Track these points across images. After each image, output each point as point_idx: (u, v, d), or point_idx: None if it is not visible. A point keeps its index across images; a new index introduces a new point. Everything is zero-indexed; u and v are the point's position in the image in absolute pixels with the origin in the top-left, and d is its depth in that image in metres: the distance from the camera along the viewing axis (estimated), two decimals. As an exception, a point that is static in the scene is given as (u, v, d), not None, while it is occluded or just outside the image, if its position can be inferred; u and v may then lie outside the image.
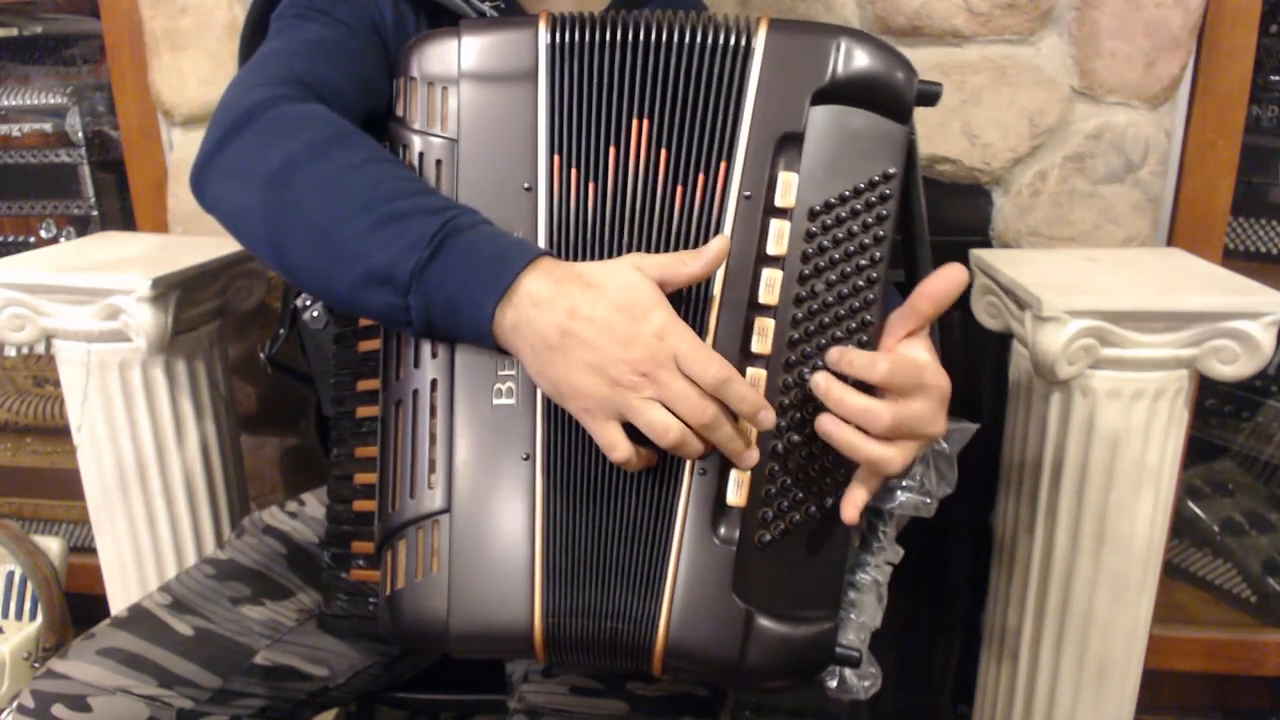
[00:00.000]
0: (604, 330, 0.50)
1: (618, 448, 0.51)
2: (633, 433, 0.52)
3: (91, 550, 1.11)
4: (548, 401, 0.55)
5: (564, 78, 0.57)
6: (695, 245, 0.55)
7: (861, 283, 0.55)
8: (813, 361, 0.54)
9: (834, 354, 0.53)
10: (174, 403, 1.04)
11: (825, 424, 0.52)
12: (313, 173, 0.54)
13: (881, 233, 0.55)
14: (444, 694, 0.87)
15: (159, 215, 1.24)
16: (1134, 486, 0.92)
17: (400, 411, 0.57)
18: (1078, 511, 0.93)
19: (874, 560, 0.60)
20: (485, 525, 0.56)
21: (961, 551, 1.19)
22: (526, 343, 0.51)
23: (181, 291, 1.00)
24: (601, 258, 0.55)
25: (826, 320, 0.55)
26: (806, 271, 0.55)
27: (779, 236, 0.55)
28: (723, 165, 0.56)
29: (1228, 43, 1.04)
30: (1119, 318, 0.87)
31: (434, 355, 0.56)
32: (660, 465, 0.55)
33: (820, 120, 0.55)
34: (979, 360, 1.11)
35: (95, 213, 1.35)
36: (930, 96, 0.56)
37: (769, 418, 0.52)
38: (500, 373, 0.56)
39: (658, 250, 0.56)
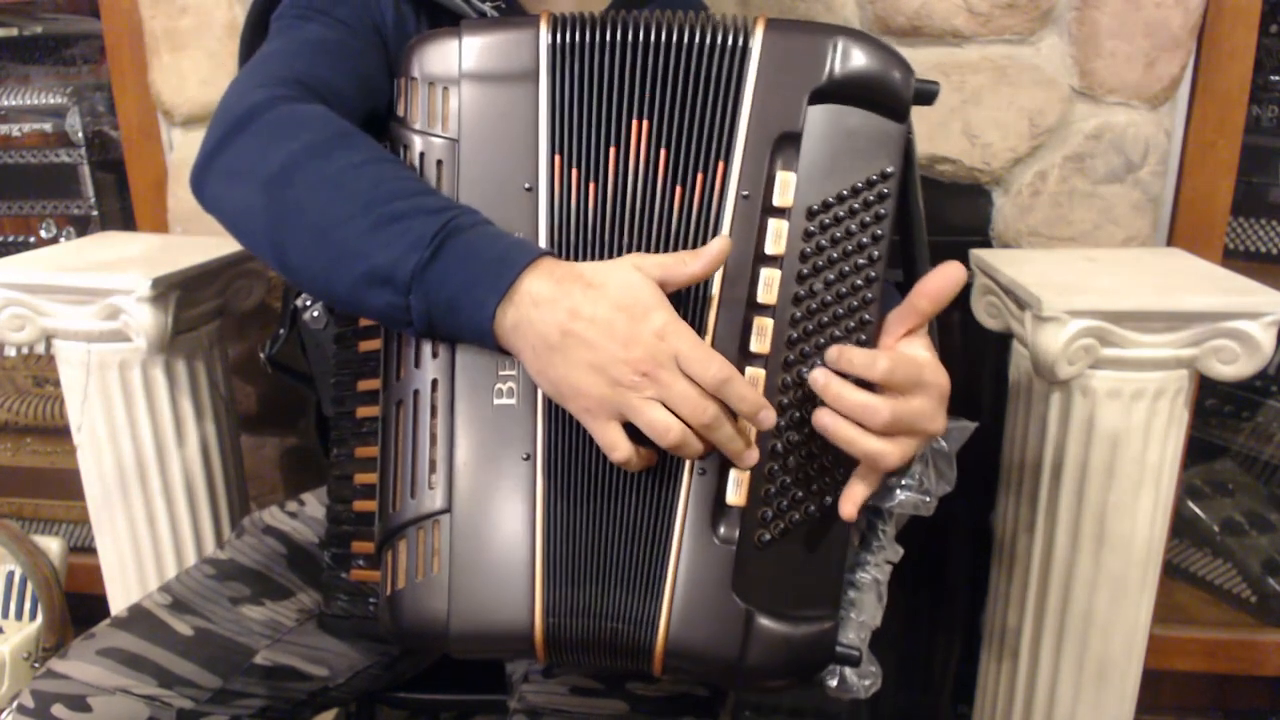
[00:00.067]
0: (605, 330, 0.50)
1: (618, 448, 0.51)
2: (633, 433, 0.52)
3: (91, 550, 1.11)
4: (548, 402, 0.55)
5: (565, 78, 0.57)
6: (694, 245, 0.55)
7: (860, 282, 0.55)
8: (811, 361, 0.54)
9: (833, 351, 0.53)
10: (174, 403, 1.04)
11: (822, 418, 0.52)
12: (313, 173, 0.54)
13: (880, 232, 0.55)
14: (444, 694, 0.87)
15: (159, 215, 1.24)
16: (1134, 486, 0.92)
17: (401, 411, 0.57)
18: (1078, 511, 0.93)
19: (874, 559, 0.60)
20: (486, 525, 0.56)
21: (961, 551, 1.19)
22: (527, 343, 0.51)
23: (181, 291, 1.00)
24: (602, 258, 0.55)
25: (825, 320, 0.55)
26: (805, 271, 0.55)
27: (777, 236, 0.55)
28: (721, 165, 0.56)
29: (1228, 43, 1.04)
30: (1119, 318, 0.87)
31: (434, 355, 0.56)
32: (660, 465, 0.55)
33: (818, 120, 0.55)
34: (979, 360, 1.11)
35: (95, 213, 1.35)
36: (927, 95, 0.56)
37: (769, 417, 0.52)
38: (501, 373, 0.56)
39: (657, 250, 0.56)
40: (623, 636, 0.56)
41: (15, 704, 0.64)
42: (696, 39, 0.56)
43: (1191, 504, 1.35)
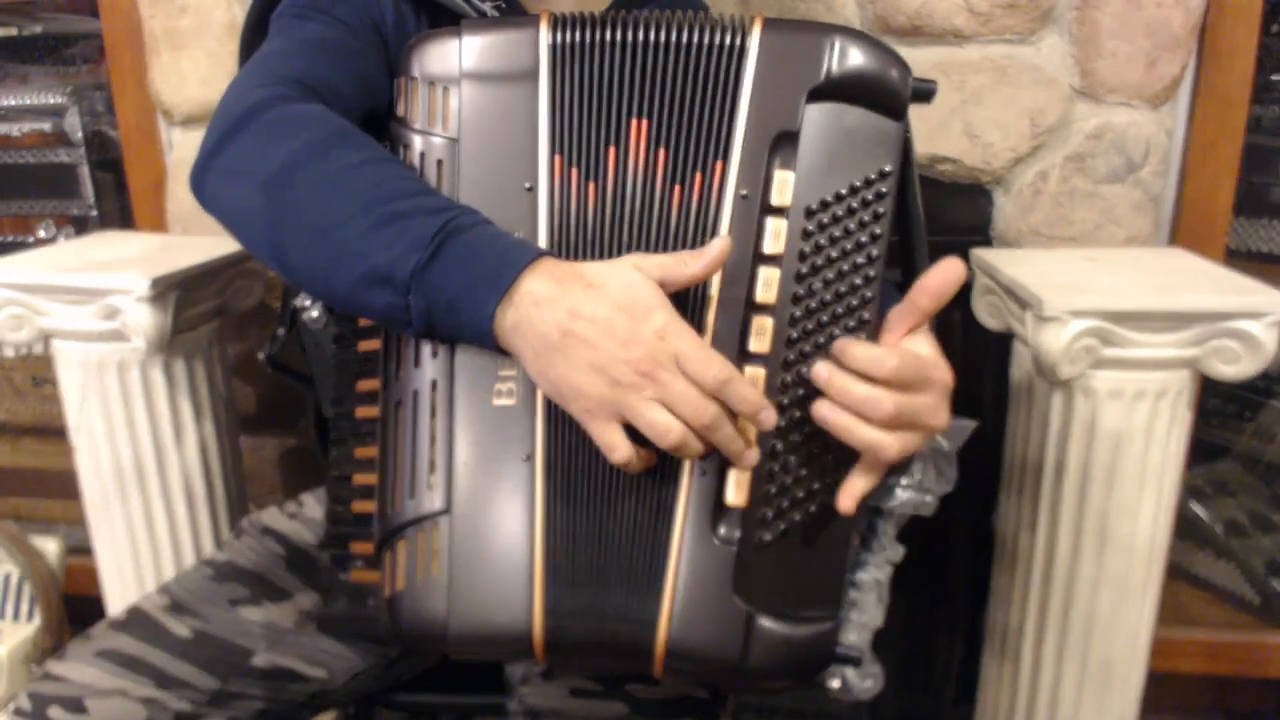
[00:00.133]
0: (605, 330, 0.49)
1: (618, 449, 0.51)
2: (632, 434, 0.51)
3: (89, 551, 1.11)
4: (548, 402, 0.54)
5: (565, 77, 0.57)
6: (693, 245, 0.55)
7: (859, 281, 0.55)
8: (811, 360, 0.54)
9: (839, 345, 0.52)
10: (173, 403, 1.03)
11: (821, 409, 0.52)
12: (313, 173, 0.54)
13: (878, 231, 0.55)
14: (443, 696, 0.87)
15: (158, 215, 1.24)
16: (1136, 487, 0.92)
17: (400, 412, 0.57)
18: (1080, 512, 0.93)
19: (875, 559, 0.60)
20: (485, 526, 0.55)
21: (963, 552, 1.19)
22: (527, 343, 0.51)
23: (180, 291, 1.00)
24: (601, 257, 0.55)
25: (824, 319, 0.55)
26: (804, 270, 0.55)
27: (776, 235, 0.55)
28: (719, 164, 0.55)
29: (1229, 42, 1.04)
30: (1120, 318, 0.87)
31: (434, 355, 0.56)
32: (660, 466, 0.54)
33: (816, 119, 0.55)
34: (980, 360, 1.10)
35: (94, 212, 1.35)
36: (925, 94, 0.56)
37: (770, 417, 0.51)
38: (500, 373, 0.55)
39: (656, 250, 0.56)
40: (622, 638, 0.55)
41: (12, 706, 0.64)
42: (694, 38, 0.56)
43: (1194, 505, 1.35)
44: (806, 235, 0.55)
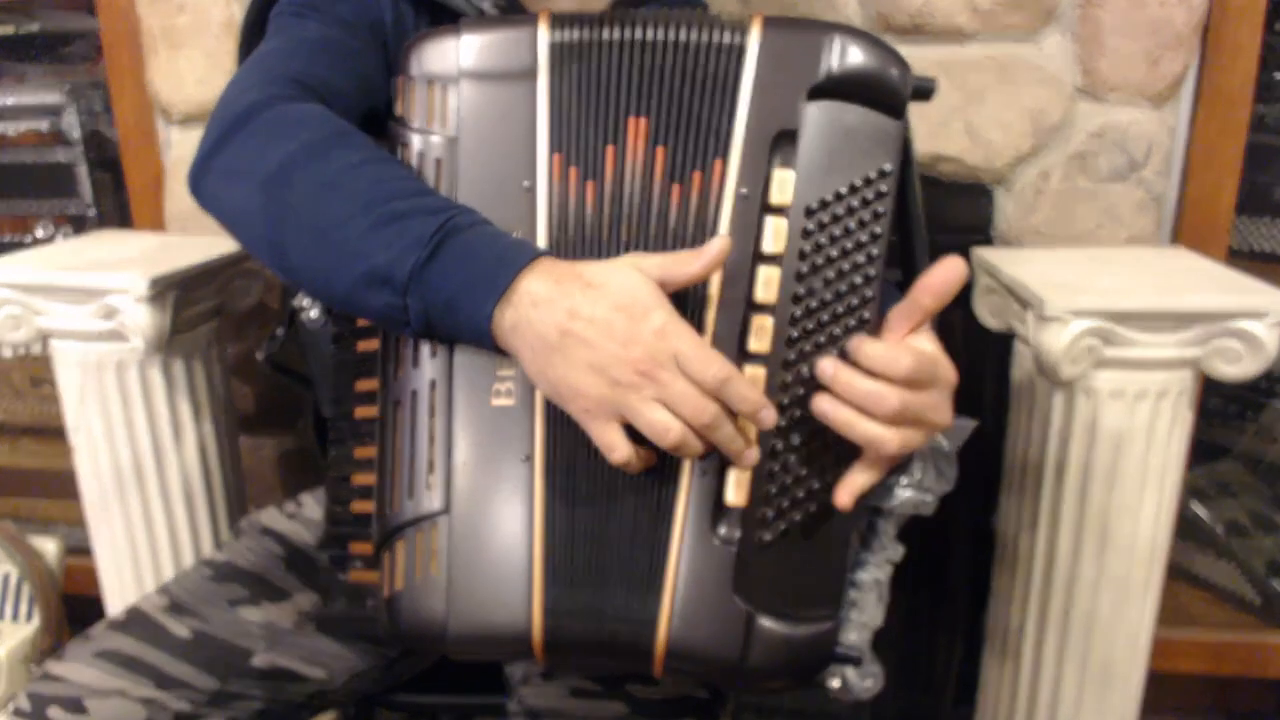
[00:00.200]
0: (604, 330, 0.49)
1: (617, 449, 0.51)
2: (632, 434, 0.51)
3: (88, 552, 1.11)
4: (547, 402, 0.54)
5: (564, 76, 0.56)
6: (693, 244, 0.55)
7: (859, 280, 0.55)
8: (811, 360, 0.54)
9: (853, 344, 0.52)
10: (171, 403, 1.03)
11: (821, 403, 0.52)
12: (312, 173, 0.53)
13: (878, 230, 0.54)
14: (442, 696, 0.87)
15: (156, 214, 1.24)
16: (1137, 487, 0.92)
17: (399, 412, 0.57)
18: (1081, 512, 0.93)
19: (875, 559, 0.60)
20: (484, 526, 0.55)
21: (963, 552, 1.19)
22: (526, 343, 0.51)
23: (179, 291, 0.99)
24: (601, 257, 0.55)
25: (824, 318, 0.55)
26: (804, 269, 0.54)
27: (776, 234, 0.55)
28: (719, 163, 0.55)
29: (1232, 41, 1.03)
30: (1122, 317, 0.86)
31: (433, 355, 0.56)
32: (659, 466, 0.54)
33: (815, 117, 0.55)
34: (981, 360, 1.10)
35: (92, 212, 1.35)
36: (925, 92, 0.56)
37: (770, 416, 0.51)
38: (499, 373, 0.55)
39: (656, 249, 0.55)
40: (622, 638, 0.55)
41: (12, 707, 0.64)
42: (693, 37, 0.56)
43: (1195, 505, 1.35)
44: (806, 234, 0.55)
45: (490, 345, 0.52)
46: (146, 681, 0.65)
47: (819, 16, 1.06)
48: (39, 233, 1.37)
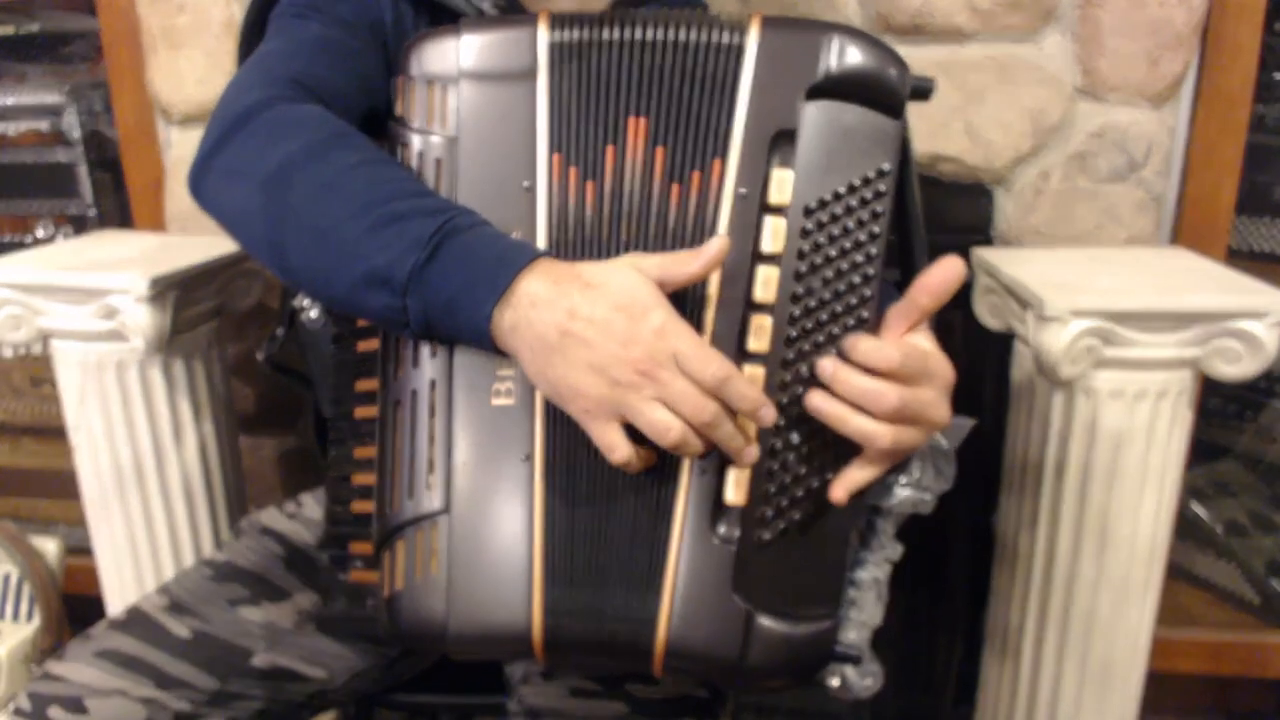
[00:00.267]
0: (603, 330, 0.49)
1: (617, 449, 0.51)
2: (631, 434, 0.51)
3: (89, 551, 1.11)
4: (547, 402, 0.54)
5: (564, 76, 0.56)
6: (692, 243, 0.55)
7: (857, 279, 0.55)
8: (810, 359, 0.54)
9: (848, 341, 0.53)
10: (172, 403, 1.03)
11: (815, 399, 0.52)
12: (311, 174, 0.53)
13: (877, 229, 0.55)
14: (442, 696, 0.87)
15: (156, 214, 1.24)
16: (1137, 487, 0.92)
17: (399, 412, 0.57)
18: (1080, 512, 0.93)
19: (874, 558, 0.60)
20: (484, 526, 0.55)
21: (963, 552, 1.19)
22: (525, 344, 0.51)
23: (179, 291, 1.00)
24: (600, 257, 0.55)
25: (823, 318, 0.55)
26: (802, 269, 0.55)
27: (774, 234, 0.55)
28: (718, 163, 0.55)
29: (1232, 41, 1.03)
30: (1122, 317, 0.86)
31: (433, 355, 0.56)
32: (658, 465, 0.54)
33: (814, 117, 0.55)
34: (981, 360, 1.10)
35: (92, 212, 1.35)
36: (923, 91, 0.56)
37: (770, 414, 0.51)
38: (499, 373, 0.55)
39: (655, 249, 0.55)
40: (622, 637, 0.55)
41: (12, 706, 0.64)
42: (692, 36, 0.56)
43: (1194, 505, 1.35)
44: (805, 234, 0.55)
45: (490, 346, 0.52)
46: (147, 681, 0.65)
47: (819, 16, 1.06)
48: (39, 233, 1.37)
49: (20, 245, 1.36)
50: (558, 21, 0.57)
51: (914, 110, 0.57)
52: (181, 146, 1.20)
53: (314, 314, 0.66)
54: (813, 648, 0.56)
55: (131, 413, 1.02)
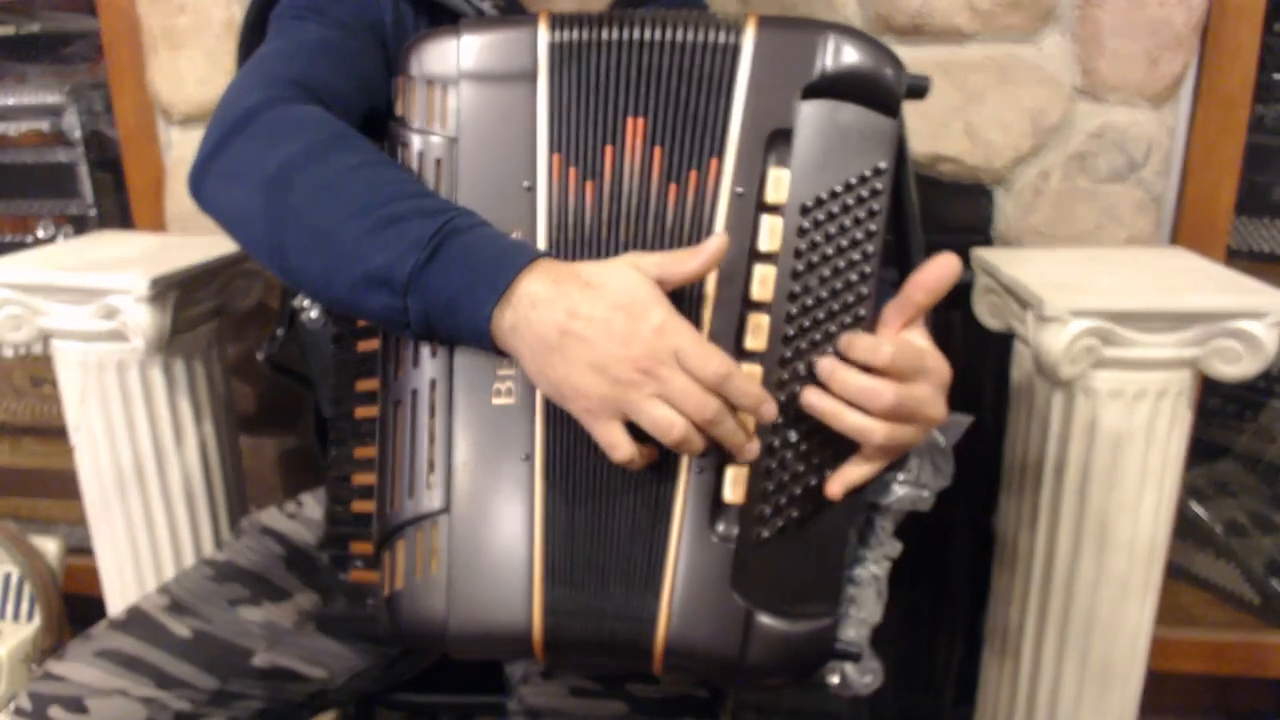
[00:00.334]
0: (603, 329, 0.49)
1: (620, 447, 0.51)
2: (633, 433, 0.51)
3: (89, 551, 1.11)
4: (548, 402, 0.54)
5: (564, 76, 0.56)
6: (690, 242, 0.55)
7: (854, 277, 0.55)
8: (807, 357, 0.54)
9: (844, 340, 0.53)
10: (172, 403, 1.03)
11: (809, 395, 0.53)
12: (311, 175, 0.54)
13: (873, 227, 0.55)
14: (443, 696, 0.87)
15: (157, 214, 1.24)
16: (1137, 487, 0.92)
17: (399, 411, 0.57)
18: (1080, 512, 0.93)
19: (873, 555, 0.60)
20: (484, 525, 0.55)
21: (963, 552, 1.19)
22: (526, 344, 0.51)
23: (180, 291, 1.00)
24: (599, 256, 0.55)
25: (820, 316, 0.55)
26: (799, 267, 0.55)
27: (771, 232, 0.55)
28: (714, 162, 0.55)
29: (1231, 41, 1.03)
30: (1122, 318, 0.86)
31: (433, 355, 0.56)
32: (657, 464, 0.54)
33: (810, 116, 0.55)
34: (980, 360, 1.10)
35: (93, 212, 1.35)
36: (919, 90, 0.56)
37: (771, 410, 0.52)
38: (499, 373, 0.55)
39: (653, 248, 0.55)
40: (622, 636, 0.55)
41: (13, 706, 0.64)
42: (689, 36, 0.56)
43: (1194, 505, 1.35)
44: (802, 232, 0.55)
45: (490, 346, 0.52)
46: (147, 681, 0.65)
47: (818, 16, 1.06)
48: (40, 233, 1.37)
49: (21, 245, 1.36)
50: (557, 22, 0.57)
51: (914, 110, 0.57)
52: (182, 147, 1.21)
53: (314, 314, 0.66)
54: (812, 645, 0.56)
55: (132, 413, 1.02)
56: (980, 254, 1.04)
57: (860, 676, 0.58)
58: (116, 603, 1.10)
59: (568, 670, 0.69)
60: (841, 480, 0.54)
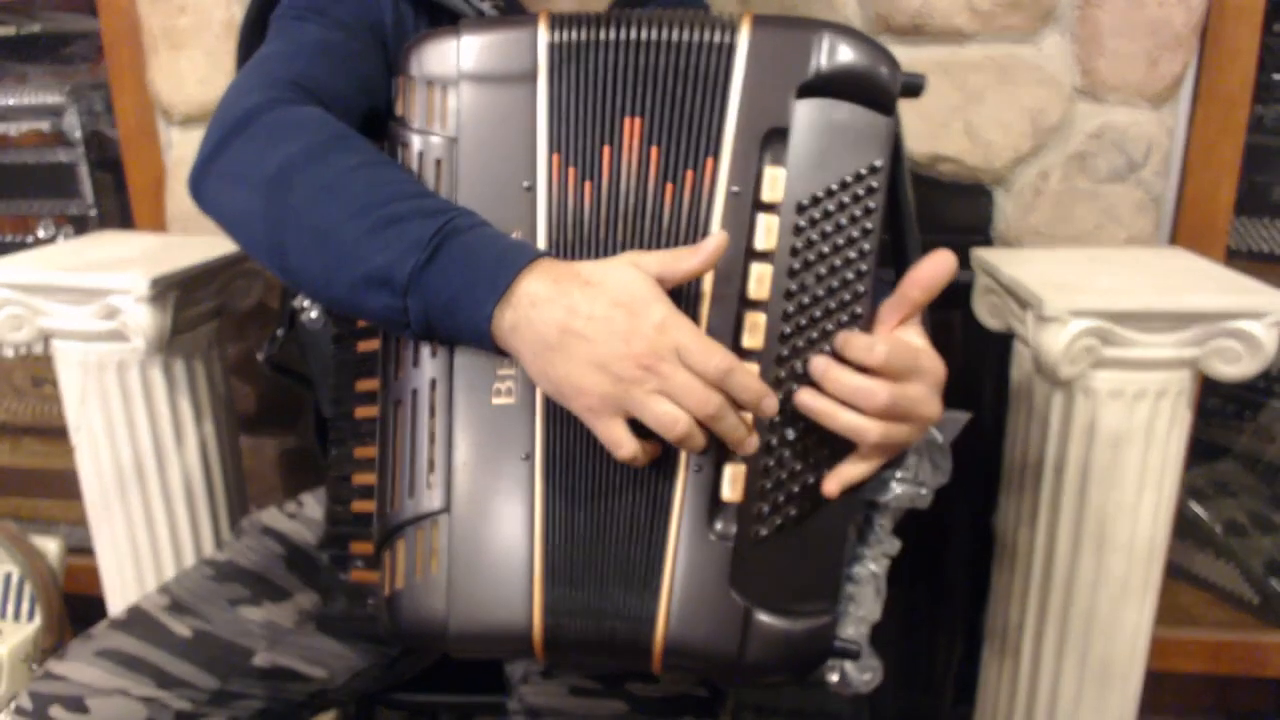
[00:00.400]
0: (604, 326, 0.49)
1: (624, 445, 0.51)
2: (634, 430, 0.51)
3: (90, 551, 1.11)
4: (548, 401, 0.55)
5: (563, 77, 0.57)
6: (686, 241, 0.55)
7: (851, 275, 0.55)
8: (804, 355, 0.54)
9: (840, 339, 0.53)
10: (172, 403, 1.03)
11: (803, 395, 0.53)
12: (311, 176, 0.54)
13: (869, 225, 0.55)
14: (443, 695, 0.87)
15: (157, 214, 1.24)
16: (1136, 487, 0.92)
17: (399, 411, 0.57)
18: (1080, 512, 0.93)
19: (871, 553, 0.60)
20: (484, 525, 0.55)
21: (962, 551, 1.19)
22: (526, 343, 0.51)
23: (180, 291, 1.00)
24: (598, 256, 0.55)
25: (817, 314, 0.55)
26: (796, 266, 0.55)
27: (767, 231, 0.55)
28: (710, 161, 0.56)
29: (1231, 41, 1.03)
30: (1121, 318, 0.87)
31: (433, 355, 0.56)
32: (655, 462, 0.54)
33: (805, 115, 0.55)
34: (980, 360, 1.10)
35: (93, 212, 1.35)
36: (914, 88, 0.56)
37: (772, 405, 0.52)
38: (500, 372, 0.55)
39: (651, 248, 0.56)
40: (621, 635, 0.55)
41: (13, 705, 0.64)
42: (684, 36, 0.56)
43: (1194, 505, 1.35)
44: (798, 231, 0.55)
45: (490, 346, 0.52)
46: (148, 681, 0.65)
47: (817, 16, 1.06)
48: (40, 233, 1.37)
49: (21, 245, 1.36)
50: (557, 22, 0.57)
51: (914, 111, 0.57)
52: (182, 147, 1.21)
53: (314, 314, 0.66)
54: (811, 643, 0.56)
55: (132, 413, 1.02)
56: (980, 254, 1.04)
57: (859, 674, 0.59)
58: (117, 602, 1.11)
59: (568, 670, 0.70)
60: (838, 479, 0.54)
